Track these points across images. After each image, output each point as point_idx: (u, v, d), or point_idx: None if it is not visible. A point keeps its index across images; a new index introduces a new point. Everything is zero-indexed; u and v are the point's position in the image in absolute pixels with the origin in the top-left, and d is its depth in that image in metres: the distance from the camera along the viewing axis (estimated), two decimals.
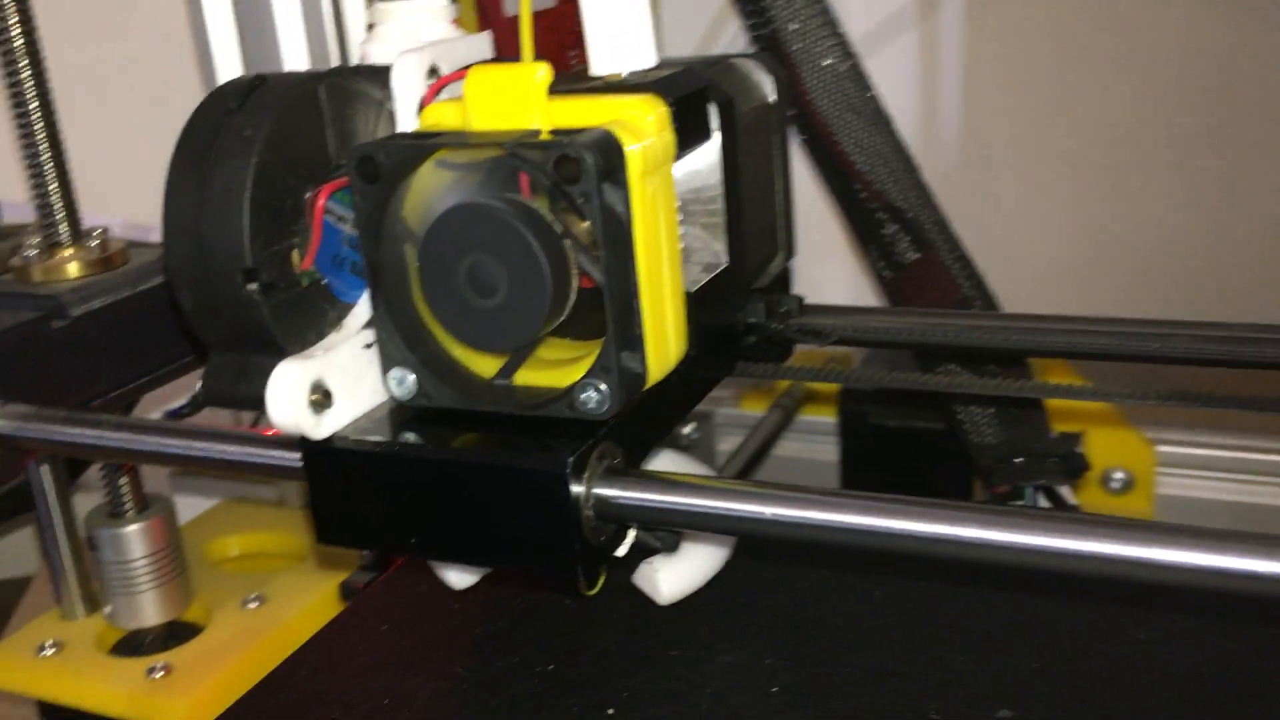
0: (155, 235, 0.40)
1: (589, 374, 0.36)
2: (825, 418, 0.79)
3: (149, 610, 0.56)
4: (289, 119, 0.38)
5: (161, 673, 0.53)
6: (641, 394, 0.38)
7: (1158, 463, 0.74)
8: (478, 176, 0.37)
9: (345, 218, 0.40)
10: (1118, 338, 0.46)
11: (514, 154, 0.35)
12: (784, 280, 0.50)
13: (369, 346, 0.39)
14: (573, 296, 0.36)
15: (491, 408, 0.38)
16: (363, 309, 0.40)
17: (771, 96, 0.46)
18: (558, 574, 0.36)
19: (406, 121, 0.41)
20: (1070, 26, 0.80)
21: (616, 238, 0.35)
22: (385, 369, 0.38)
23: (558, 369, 0.38)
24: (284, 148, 0.37)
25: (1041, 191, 0.83)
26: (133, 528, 0.55)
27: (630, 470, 0.37)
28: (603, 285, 0.35)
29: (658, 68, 0.41)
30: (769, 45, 0.67)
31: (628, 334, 0.36)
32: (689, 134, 0.39)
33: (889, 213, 0.67)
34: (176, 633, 0.57)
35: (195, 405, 0.48)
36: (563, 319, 0.36)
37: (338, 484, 0.38)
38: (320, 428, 0.37)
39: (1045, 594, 0.45)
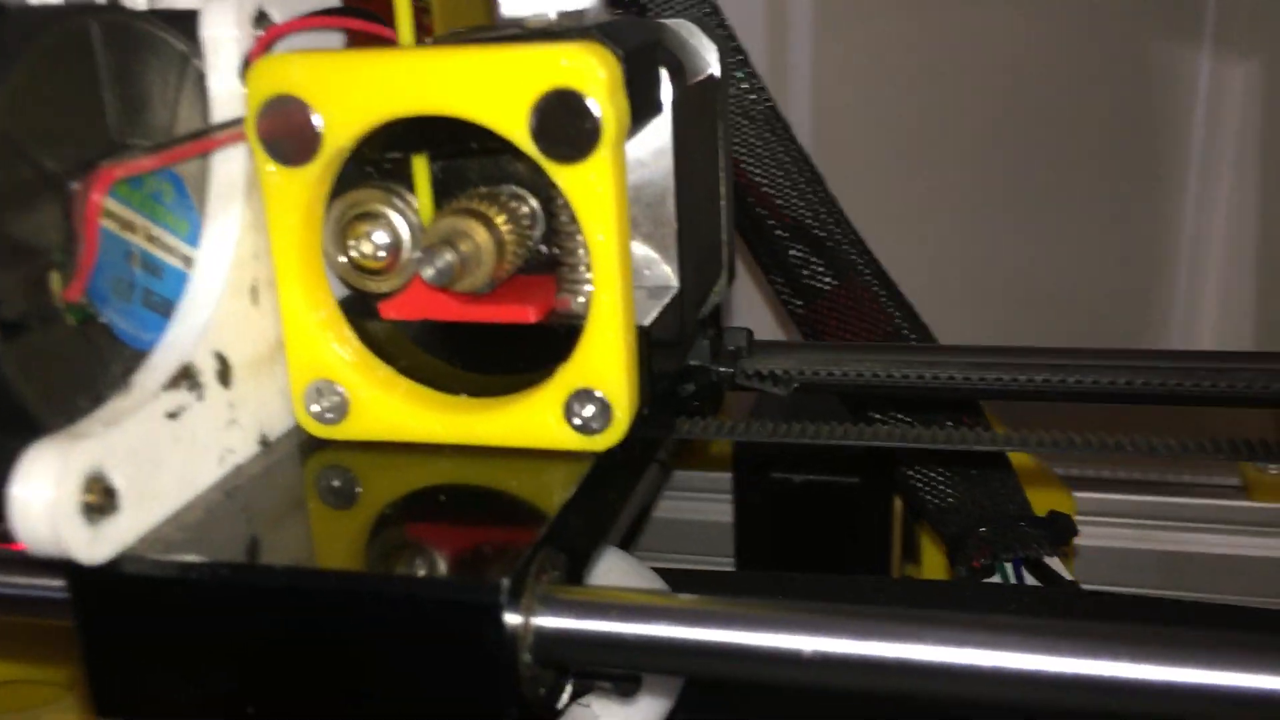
0: None
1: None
2: (714, 473, 0.68)
3: None
4: (42, 71, 0.25)
5: None
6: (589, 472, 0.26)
7: (1077, 510, 0.66)
8: None
9: (133, 222, 0.27)
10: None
11: None
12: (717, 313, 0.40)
13: (174, 416, 0.26)
14: None
15: None
16: (163, 358, 0.26)
17: (715, 70, 0.35)
18: None
19: (223, 84, 0.29)
20: (920, 51, 0.77)
21: None
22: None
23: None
24: (32, 114, 0.24)
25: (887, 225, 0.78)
26: None
27: (577, 588, 0.26)
28: None
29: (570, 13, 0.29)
30: None
31: None
32: (637, 105, 0.28)
33: (791, 232, 0.57)
34: None
35: None
36: None
37: (127, 630, 0.25)
38: (97, 545, 0.24)
39: None
